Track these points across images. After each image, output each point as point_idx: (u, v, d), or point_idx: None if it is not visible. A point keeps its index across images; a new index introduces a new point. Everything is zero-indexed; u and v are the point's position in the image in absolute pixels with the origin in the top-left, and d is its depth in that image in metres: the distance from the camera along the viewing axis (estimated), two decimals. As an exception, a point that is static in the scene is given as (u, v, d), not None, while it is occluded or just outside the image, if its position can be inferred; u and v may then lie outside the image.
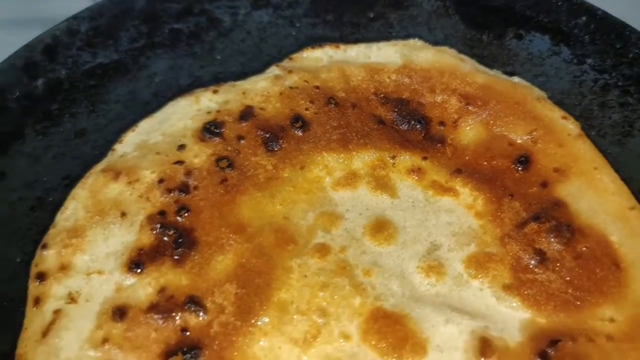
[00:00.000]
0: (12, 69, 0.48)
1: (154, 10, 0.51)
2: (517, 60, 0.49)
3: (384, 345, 0.34)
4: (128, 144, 0.45)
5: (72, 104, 0.49)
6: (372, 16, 0.53)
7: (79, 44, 0.50)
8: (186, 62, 0.51)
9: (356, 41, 0.51)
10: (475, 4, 0.51)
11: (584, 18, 0.48)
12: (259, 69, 0.50)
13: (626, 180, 0.42)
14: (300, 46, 0.51)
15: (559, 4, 0.49)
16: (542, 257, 0.38)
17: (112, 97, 0.50)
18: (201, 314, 0.35)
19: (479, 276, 0.37)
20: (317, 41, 0.50)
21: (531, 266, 0.37)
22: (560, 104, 0.46)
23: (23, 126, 0.47)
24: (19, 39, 0.50)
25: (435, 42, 0.50)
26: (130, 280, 0.37)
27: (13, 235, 0.42)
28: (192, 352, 0.34)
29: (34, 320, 0.37)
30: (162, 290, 0.36)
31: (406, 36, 0.51)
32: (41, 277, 0.39)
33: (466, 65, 0.47)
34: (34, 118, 0.47)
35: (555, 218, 0.39)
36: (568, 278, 0.37)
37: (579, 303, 0.36)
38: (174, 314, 0.35)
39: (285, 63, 0.49)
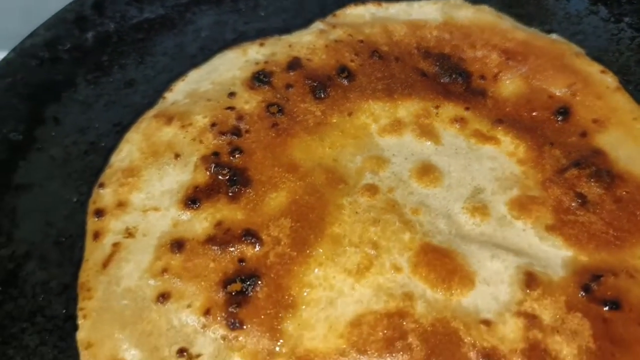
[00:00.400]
0: (63, 22, 0.51)
1: None
2: (554, 19, 0.50)
3: (434, 277, 0.36)
4: (178, 93, 0.46)
5: (121, 56, 0.52)
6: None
7: None
8: (231, 18, 0.53)
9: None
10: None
11: None
12: (302, 25, 0.52)
13: None
14: (341, 4, 0.52)
15: None
16: (583, 200, 0.39)
17: (159, 50, 0.52)
18: (257, 245, 0.37)
19: (522, 217, 0.39)
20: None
21: (572, 208, 0.39)
22: (598, 60, 0.48)
23: (75, 76, 0.50)
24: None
25: (474, 1, 0.51)
26: (186, 215, 0.39)
27: (69, 177, 0.44)
28: (250, 280, 0.36)
29: (94, 252, 0.39)
30: (218, 224, 0.38)
31: None
32: (99, 213, 0.40)
33: (505, 23, 0.49)
34: (85, 68, 0.50)
35: (595, 164, 0.40)
36: (608, 220, 0.38)
37: (619, 243, 0.37)
38: (230, 245, 0.37)
39: (329, 19, 0.50)
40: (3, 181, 0.44)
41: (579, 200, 0.39)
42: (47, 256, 0.41)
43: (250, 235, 0.37)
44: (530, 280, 0.36)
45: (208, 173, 0.40)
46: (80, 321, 0.37)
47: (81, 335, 0.36)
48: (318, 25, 0.49)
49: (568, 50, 0.47)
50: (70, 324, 0.38)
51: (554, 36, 0.48)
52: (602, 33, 0.49)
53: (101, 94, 0.48)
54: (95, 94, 0.48)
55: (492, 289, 0.36)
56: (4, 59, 0.48)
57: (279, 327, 0.34)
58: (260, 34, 0.51)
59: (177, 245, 0.38)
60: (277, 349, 0.33)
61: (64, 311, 0.38)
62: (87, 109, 0.47)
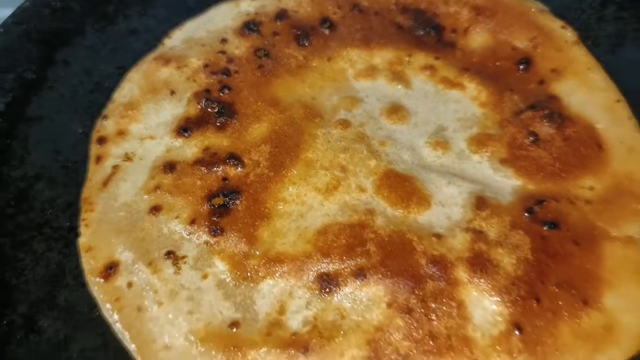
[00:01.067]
0: None
1: None
2: None
3: (394, 197, 0.40)
4: (176, 39, 0.51)
5: (126, 7, 0.56)
6: None
7: None
8: None
9: None
10: None
11: None
12: None
13: (616, 82, 0.47)
14: None
15: None
16: (535, 137, 0.43)
17: (160, 3, 0.56)
18: (239, 167, 0.42)
19: (479, 152, 0.43)
20: None
21: (525, 144, 0.43)
22: (561, 17, 0.51)
23: (83, 24, 0.54)
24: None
25: None
26: (178, 142, 0.44)
27: (75, 112, 0.49)
28: (232, 195, 0.40)
29: (96, 173, 0.44)
30: (206, 149, 0.43)
31: None
32: (101, 140, 0.45)
33: None
34: (93, 17, 0.54)
35: (549, 108, 0.44)
36: (556, 155, 0.42)
37: (564, 174, 0.41)
38: (216, 166, 0.42)
39: None
40: (17, 113, 0.48)
41: (532, 138, 0.43)
42: (55, 178, 0.45)
43: (234, 158, 0.42)
44: (480, 203, 0.40)
45: (199, 107, 0.45)
46: (82, 229, 0.42)
47: (82, 241, 0.41)
48: None
49: (533, 7, 0.50)
50: (73, 234, 0.43)
51: None
52: None
53: (107, 40, 0.52)
54: (102, 40, 0.52)
55: (446, 209, 0.40)
56: (20, 7, 0.52)
57: (254, 234, 0.39)
58: None
59: (169, 166, 0.42)
60: (252, 252, 0.38)
61: (68, 224, 0.43)
62: (93, 53, 0.52)
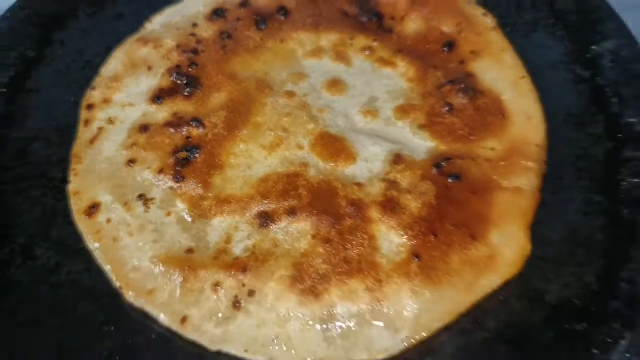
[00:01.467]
0: None
1: None
2: None
3: (326, 153, 0.48)
4: (156, 23, 0.59)
5: None
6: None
7: None
8: None
9: None
10: None
11: None
12: None
13: (525, 60, 0.55)
14: None
15: None
16: (450, 107, 0.51)
17: None
18: (200, 128, 0.50)
19: (402, 119, 0.51)
20: None
21: (441, 113, 0.51)
22: (484, 5, 0.58)
23: (77, 9, 0.61)
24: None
25: None
26: (152, 108, 0.53)
27: (68, 85, 0.56)
28: (193, 150, 0.49)
29: (84, 133, 0.52)
30: (174, 114, 0.52)
31: None
32: (89, 107, 0.54)
33: None
34: (85, 3, 0.63)
35: (465, 83, 0.52)
36: (466, 122, 0.50)
37: (471, 137, 0.50)
38: (181, 127, 0.50)
39: None
40: (19, 85, 0.55)
41: (447, 108, 0.51)
42: (50, 138, 0.53)
43: (196, 121, 0.50)
44: (397, 159, 0.48)
45: (171, 79, 0.54)
46: (71, 178, 0.50)
47: (71, 187, 0.49)
48: None
49: None
50: (64, 184, 0.51)
51: None
52: None
53: (96, 23, 0.61)
54: (92, 23, 0.61)
55: (368, 164, 0.49)
56: None
57: (209, 180, 0.47)
58: None
59: (144, 128, 0.51)
60: (206, 194, 0.47)
61: (61, 175, 0.51)
62: (85, 35, 0.60)
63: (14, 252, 0.46)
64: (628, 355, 0.39)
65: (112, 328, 0.42)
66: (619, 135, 0.48)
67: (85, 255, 0.47)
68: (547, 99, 0.52)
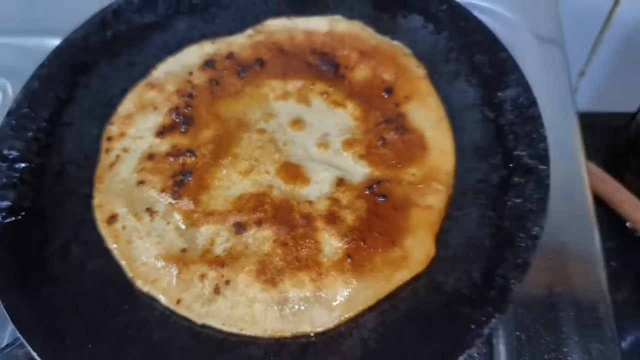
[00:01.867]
0: (92, 24, 0.72)
1: None
2: (401, 30, 0.72)
3: (287, 177, 0.61)
4: (160, 71, 0.71)
5: (127, 48, 0.72)
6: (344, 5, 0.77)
7: (134, 9, 0.73)
8: (197, 24, 0.74)
9: (301, 14, 0.73)
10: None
11: (444, 6, 0.71)
12: (241, 30, 0.73)
13: (448, 103, 0.67)
14: (266, 17, 0.73)
15: None
16: (384, 141, 0.63)
17: (151, 44, 0.73)
18: (193, 158, 0.63)
19: (347, 150, 0.63)
20: (276, 14, 0.75)
21: (377, 146, 0.63)
22: (420, 58, 0.69)
23: (98, 58, 0.70)
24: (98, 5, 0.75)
25: (351, 18, 0.73)
26: (157, 141, 0.65)
27: (92, 120, 0.67)
28: (187, 174, 0.62)
29: (105, 159, 0.65)
30: (173, 146, 0.64)
31: (333, 13, 0.75)
32: (109, 139, 0.65)
33: (366, 33, 0.72)
34: (106, 54, 0.71)
35: (397, 122, 0.65)
36: (396, 153, 0.62)
37: (399, 166, 0.61)
38: (178, 157, 0.63)
39: (257, 27, 0.73)
40: (55, 120, 0.66)
41: (382, 142, 0.63)
42: (79, 163, 0.64)
43: (190, 152, 0.64)
44: (340, 182, 0.61)
45: (171, 118, 0.67)
46: (95, 194, 0.61)
47: (96, 201, 0.61)
48: (249, 31, 0.72)
49: (400, 51, 0.70)
50: (90, 199, 0.61)
51: (395, 42, 0.71)
52: (428, 41, 0.69)
53: (114, 70, 0.70)
54: (110, 70, 0.70)
55: (319, 186, 0.61)
56: (58, 46, 0.69)
57: (198, 198, 0.61)
58: (214, 35, 0.73)
59: (151, 156, 0.63)
60: (196, 209, 0.60)
61: (88, 191, 0.61)
62: (105, 80, 0.69)
63: (54, 252, 0.57)
64: (495, 328, 0.53)
65: (127, 307, 0.54)
66: (510, 165, 0.58)
67: (107, 254, 0.58)
68: (461, 134, 0.64)
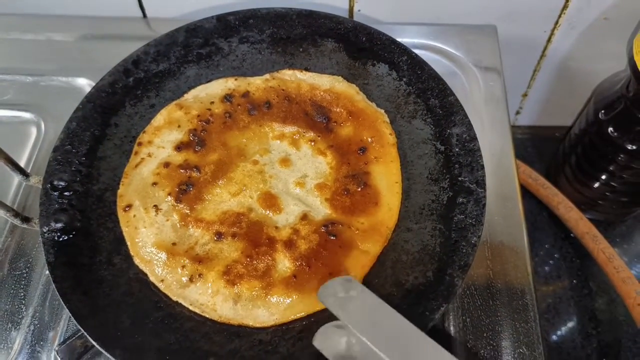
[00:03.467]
0: (117, 71, 0.82)
1: (187, 42, 0.87)
2: (370, 76, 0.85)
3: (265, 204, 0.75)
4: (190, 95, 0.86)
5: (147, 91, 0.83)
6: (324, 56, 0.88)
7: (150, 59, 0.84)
8: (203, 73, 0.87)
9: (309, 70, 0.85)
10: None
11: (405, 57, 0.83)
12: (261, 74, 0.84)
13: (407, 137, 0.79)
14: (282, 67, 0.85)
15: (392, 47, 0.84)
16: (347, 191, 0.72)
17: (166, 89, 0.85)
18: (198, 173, 0.73)
19: (317, 192, 0.73)
20: (269, 62, 0.87)
21: (342, 194, 0.72)
22: (385, 100, 0.82)
23: (124, 101, 0.81)
24: (125, 51, 0.83)
25: (329, 66, 0.85)
26: (174, 153, 0.75)
27: (123, 153, 0.78)
28: (190, 185, 0.71)
29: (133, 161, 0.75)
30: (185, 161, 0.74)
31: (315, 62, 0.87)
32: (139, 144, 0.76)
33: (359, 97, 0.81)
34: (129, 97, 0.82)
35: (362, 178, 0.73)
36: (354, 203, 0.71)
37: (353, 214, 0.70)
38: (187, 170, 0.73)
39: (273, 74, 0.84)
40: (93, 155, 0.75)
41: (346, 192, 0.72)
42: (114, 189, 0.75)
43: (197, 168, 0.73)
44: (305, 217, 0.69)
45: (189, 137, 0.76)
46: (120, 186, 0.72)
47: (120, 192, 0.72)
48: (266, 75, 0.83)
49: (381, 117, 0.81)
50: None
51: (379, 109, 0.82)
52: (392, 86, 0.84)
53: (137, 111, 0.80)
54: (134, 111, 0.80)
55: (287, 216, 0.71)
56: (90, 92, 0.79)
57: (194, 206, 0.70)
58: (237, 74, 0.85)
59: (167, 164, 0.73)
60: (190, 214, 0.70)
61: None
62: (130, 119, 0.79)
63: (101, 262, 0.68)
64: (445, 314, 0.67)
65: (161, 304, 0.67)
66: (456, 188, 0.71)
67: (120, 241, 0.70)
68: (417, 164, 0.78)
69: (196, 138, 0.78)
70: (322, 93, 0.82)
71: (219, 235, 0.71)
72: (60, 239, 0.68)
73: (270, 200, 0.74)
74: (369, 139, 0.79)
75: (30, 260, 0.78)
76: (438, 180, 0.74)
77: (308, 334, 0.62)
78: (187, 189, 0.74)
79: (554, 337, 1.08)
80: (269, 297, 0.67)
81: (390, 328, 0.52)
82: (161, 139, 0.79)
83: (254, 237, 0.70)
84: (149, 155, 0.77)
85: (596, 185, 1.12)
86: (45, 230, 0.67)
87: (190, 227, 0.72)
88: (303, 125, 0.80)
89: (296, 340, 0.64)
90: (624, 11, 0.96)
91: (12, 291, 0.75)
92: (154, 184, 0.75)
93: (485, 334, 0.71)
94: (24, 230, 0.78)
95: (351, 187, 0.75)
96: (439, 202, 0.73)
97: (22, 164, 0.77)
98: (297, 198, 0.74)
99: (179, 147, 0.78)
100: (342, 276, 0.63)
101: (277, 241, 0.70)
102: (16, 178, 0.73)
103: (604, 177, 1.08)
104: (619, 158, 1.00)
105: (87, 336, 0.60)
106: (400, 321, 0.52)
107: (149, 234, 0.71)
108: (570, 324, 1.10)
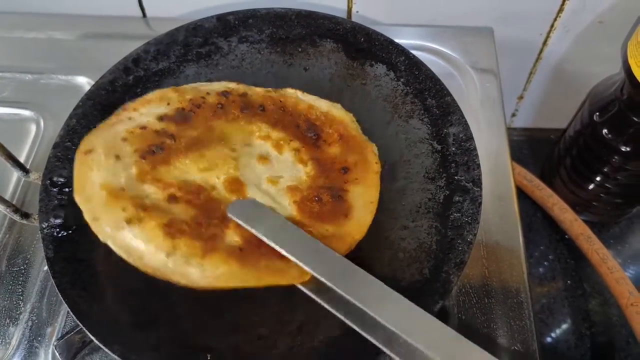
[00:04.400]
0: (117, 70, 0.82)
1: (187, 41, 0.86)
2: (368, 76, 0.87)
3: (229, 188, 0.70)
4: (189, 85, 0.80)
5: (146, 89, 0.82)
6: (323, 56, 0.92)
7: (150, 57, 0.84)
8: (202, 72, 0.88)
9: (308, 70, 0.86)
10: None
11: (402, 57, 0.83)
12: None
13: (405, 137, 0.81)
14: (287, 86, 0.84)
15: (390, 48, 0.84)
16: (319, 199, 0.71)
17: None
18: (172, 141, 0.73)
19: (288, 195, 0.71)
20: (268, 61, 0.89)
21: (313, 201, 0.71)
22: (384, 100, 0.85)
23: (123, 99, 0.80)
24: (125, 50, 0.83)
25: (328, 66, 0.87)
26: (155, 121, 0.73)
27: None
28: (160, 149, 0.70)
29: (109, 120, 0.74)
30: (163, 128, 0.74)
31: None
32: (124, 109, 0.74)
33: (354, 125, 0.84)
34: (129, 95, 0.81)
35: (338, 192, 0.72)
36: (323, 211, 0.70)
37: (320, 221, 0.69)
38: (162, 136, 0.73)
39: (276, 89, 0.84)
40: None
41: (318, 199, 0.71)
42: None
43: (172, 137, 0.74)
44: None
45: (174, 113, 0.77)
46: (88, 135, 0.70)
47: (85, 139, 0.70)
48: (269, 88, 0.83)
49: (370, 147, 0.81)
50: None
51: (371, 142, 0.84)
52: (389, 86, 0.86)
53: None
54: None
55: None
56: (90, 90, 0.79)
57: (157, 167, 0.69)
58: (237, 73, 0.87)
59: (143, 127, 0.73)
60: (151, 173, 0.68)
61: None
62: None
63: (100, 257, 0.68)
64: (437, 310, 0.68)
65: (159, 298, 0.67)
66: (452, 187, 0.72)
67: None
68: (414, 163, 0.78)
69: (182, 115, 0.75)
70: (318, 114, 0.81)
71: (173, 199, 0.66)
72: (60, 235, 0.68)
73: (236, 186, 0.71)
74: (354, 163, 0.77)
75: (29, 256, 0.78)
76: (435, 178, 0.75)
77: (308, 328, 0.63)
78: (156, 151, 0.70)
79: (548, 338, 1.10)
80: (206, 258, 0.62)
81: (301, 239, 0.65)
82: (147, 109, 0.75)
83: (209, 210, 0.66)
84: (129, 118, 0.73)
85: (591, 186, 1.11)
86: (44, 226, 0.67)
87: (145, 183, 0.67)
88: (291, 134, 0.78)
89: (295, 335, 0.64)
90: (619, 15, 0.96)
91: (10, 287, 0.75)
92: (124, 139, 0.69)
93: (480, 331, 0.72)
94: (22, 227, 0.78)
95: (324, 197, 0.72)
96: (435, 201, 0.73)
97: (21, 160, 0.78)
98: (266, 193, 0.71)
99: (162, 118, 0.74)
100: (290, 264, 0.65)
101: (230, 221, 0.66)
102: (15, 175, 0.72)
103: (598, 178, 1.08)
104: (613, 160, 1.00)
105: (86, 331, 0.59)
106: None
107: (100, 175, 0.65)
108: (564, 325, 1.11)
